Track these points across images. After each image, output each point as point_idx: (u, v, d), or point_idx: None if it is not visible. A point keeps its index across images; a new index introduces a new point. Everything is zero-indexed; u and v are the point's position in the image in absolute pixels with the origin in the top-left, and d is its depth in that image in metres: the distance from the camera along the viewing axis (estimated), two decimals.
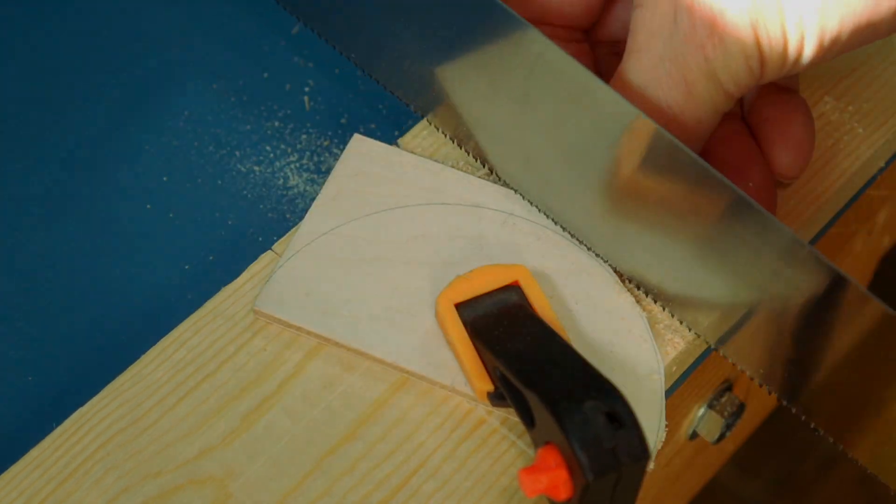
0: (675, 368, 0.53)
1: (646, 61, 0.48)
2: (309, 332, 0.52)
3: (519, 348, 0.48)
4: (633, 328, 0.52)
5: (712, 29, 0.46)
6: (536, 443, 0.47)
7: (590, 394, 0.45)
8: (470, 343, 0.50)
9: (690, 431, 0.71)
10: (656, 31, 0.48)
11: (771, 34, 0.46)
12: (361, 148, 0.57)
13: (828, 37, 0.46)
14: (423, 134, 0.58)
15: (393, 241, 0.54)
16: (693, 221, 0.49)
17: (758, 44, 0.46)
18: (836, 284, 0.47)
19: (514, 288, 0.51)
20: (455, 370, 0.51)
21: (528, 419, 0.47)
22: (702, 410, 0.70)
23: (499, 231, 0.54)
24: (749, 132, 0.55)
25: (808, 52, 0.46)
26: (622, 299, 0.53)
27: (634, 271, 0.53)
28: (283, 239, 0.55)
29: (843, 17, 0.46)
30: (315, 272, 0.53)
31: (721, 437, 0.71)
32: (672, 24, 0.47)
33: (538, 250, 0.54)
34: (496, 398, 0.49)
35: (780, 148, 0.54)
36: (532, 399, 0.46)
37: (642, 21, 0.48)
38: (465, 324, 0.50)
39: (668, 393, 0.53)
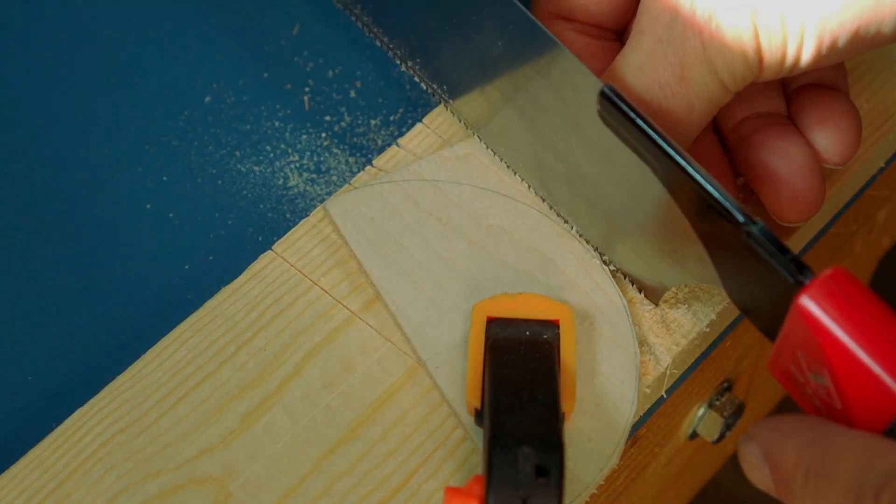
0: (674, 369, 0.53)
1: (646, 43, 0.49)
2: (351, 254, 0.53)
3: (511, 377, 0.47)
4: (624, 371, 0.51)
5: (712, 15, 0.47)
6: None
7: (532, 442, 0.44)
8: (481, 359, 0.49)
9: (690, 431, 0.71)
10: (659, 15, 0.48)
11: (771, 28, 0.46)
12: None
13: (828, 39, 0.46)
14: (422, 135, 0.58)
15: (477, 220, 0.54)
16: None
17: (756, 35, 0.46)
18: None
19: (551, 325, 0.50)
20: (456, 378, 0.50)
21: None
22: (702, 410, 0.70)
23: (574, 266, 0.53)
24: (722, 148, 0.54)
25: (808, 52, 0.47)
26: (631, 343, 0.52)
27: None
28: (283, 238, 0.55)
29: (844, 21, 0.46)
30: (393, 206, 0.53)
31: (721, 437, 0.71)
32: (675, 10, 0.48)
33: (588, 290, 0.52)
34: (478, 417, 0.49)
35: (819, 130, 0.52)
36: (485, 427, 0.46)
37: (648, 5, 0.49)
38: (487, 339, 0.49)
39: (669, 393, 0.53)
